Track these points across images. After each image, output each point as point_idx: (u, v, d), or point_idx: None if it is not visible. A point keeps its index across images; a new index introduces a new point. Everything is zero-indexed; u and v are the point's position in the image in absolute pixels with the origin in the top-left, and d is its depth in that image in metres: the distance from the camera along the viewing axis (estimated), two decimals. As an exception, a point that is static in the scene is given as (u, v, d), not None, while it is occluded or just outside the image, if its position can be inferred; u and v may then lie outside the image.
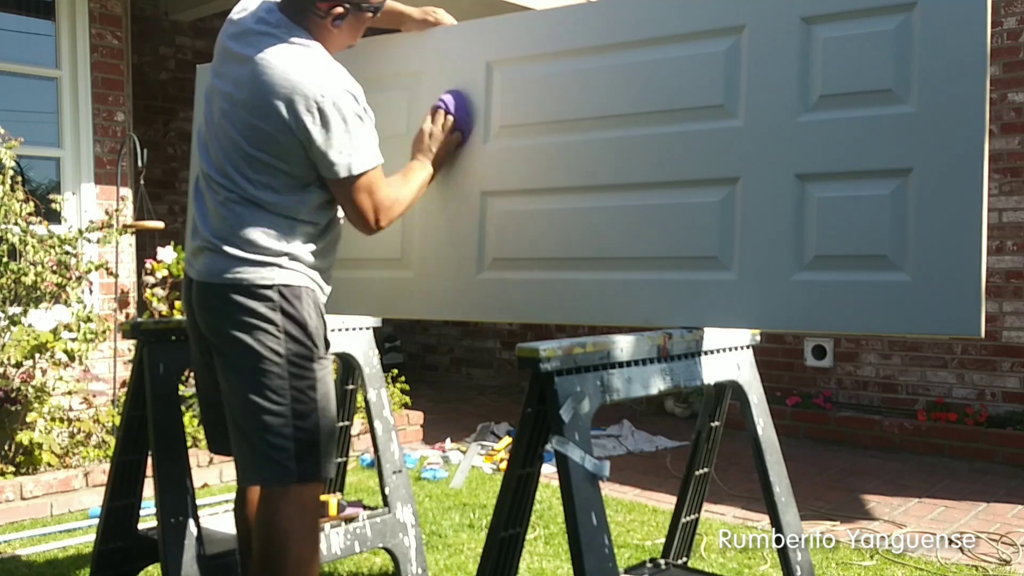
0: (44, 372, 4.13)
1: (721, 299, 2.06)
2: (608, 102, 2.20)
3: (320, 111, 2.00)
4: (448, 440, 5.29)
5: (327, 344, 2.17)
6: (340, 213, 2.24)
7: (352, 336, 3.00)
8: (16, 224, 4.06)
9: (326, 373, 2.14)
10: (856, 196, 1.91)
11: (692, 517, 2.59)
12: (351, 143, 2.05)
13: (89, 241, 4.34)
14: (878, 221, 1.89)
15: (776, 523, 2.31)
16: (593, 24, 2.22)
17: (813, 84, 1.95)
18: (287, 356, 2.05)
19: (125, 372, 4.44)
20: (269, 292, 2.05)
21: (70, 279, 4.18)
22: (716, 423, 2.52)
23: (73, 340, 4.10)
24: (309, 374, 2.08)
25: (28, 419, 4.00)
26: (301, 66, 2.03)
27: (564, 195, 2.28)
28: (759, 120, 2.00)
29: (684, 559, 2.61)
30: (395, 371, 5.40)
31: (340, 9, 2.11)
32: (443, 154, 2.36)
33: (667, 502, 3.96)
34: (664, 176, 2.13)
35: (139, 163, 4.73)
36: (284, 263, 2.08)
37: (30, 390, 4.05)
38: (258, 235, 2.06)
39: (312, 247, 2.14)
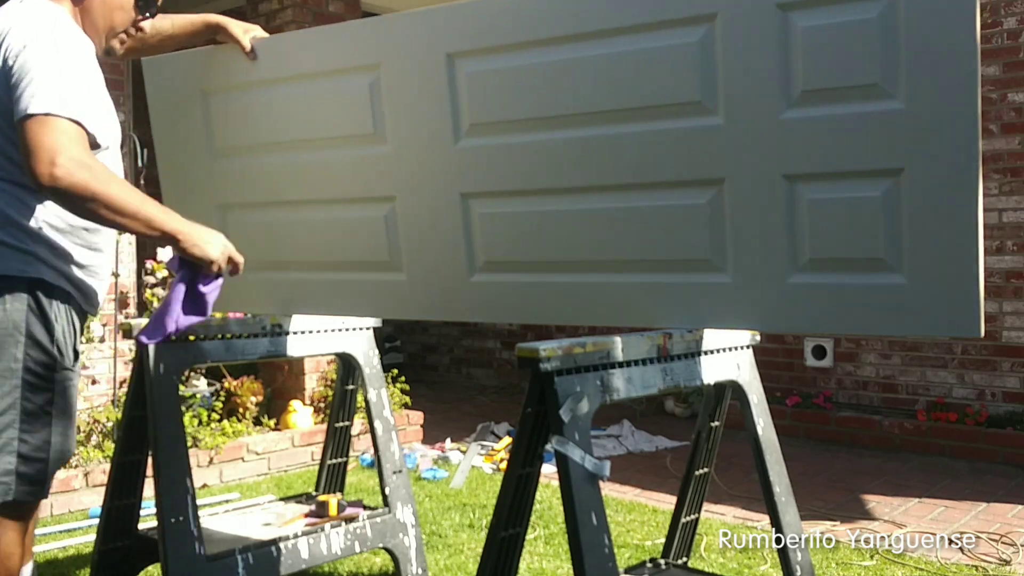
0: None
1: (717, 301, 2.06)
2: (580, 98, 2.09)
3: (24, 48, 1.80)
4: (448, 440, 5.29)
5: (76, 355, 1.95)
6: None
7: (352, 336, 3.00)
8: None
9: (70, 385, 1.93)
10: (847, 197, 1.86)
11: (692, 517, 2.59)
12: (51, 82, 1.78)
13: (89, 241, 4.34)
14: (872, 223, 1.85)
15: (776, 523, 2.31)
16: (557, 12, 2.07)
17: (795, 78, 1.85)
18: (24, 363, 1.84)
19: (125, 372, 4.44)
20: (21, 288, 1.84)
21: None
22: (716, 423, 2.52)
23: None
24: (47, 385, 1.87)
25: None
26: (27, 17, 1.87)
27: (546, 196, 2.21)
28: (740, 117, 1.92)
29: (684, 559, 2.61)
30: (395, 371, 5.40)
31: None
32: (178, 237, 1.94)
33: (667, 502, 3.96)
34: (647, 177, 2.06)
35: (139, 163, 4.73)
36: (41, 253, 1.87)
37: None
38: (13, 217, 1.85)
39: (70, 237, 1.92)
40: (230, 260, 2.06)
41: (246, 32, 2.49)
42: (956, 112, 1.72)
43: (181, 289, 2.04)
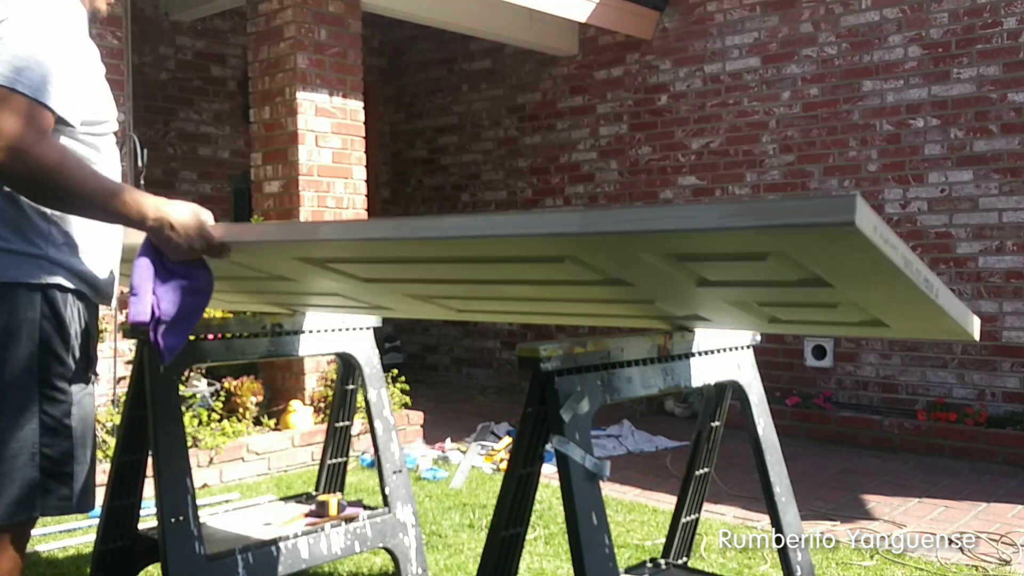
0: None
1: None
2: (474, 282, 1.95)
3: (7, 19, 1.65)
4: (448, 440, 5.29)
5: (91, 361, 1.84)
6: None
7: (352, 336, 3.00)
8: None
9: (86, 395, 1.82)
10: (796, 302, 1.76)
11: (692, 517, 2.59)
12: (21, 52, 1.63)
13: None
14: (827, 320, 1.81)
15: (776, 523, 2.31)
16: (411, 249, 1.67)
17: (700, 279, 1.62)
18: (41, 375, 1.74)
19: (125, 372, 4.44)
20: (34, 295, 1.73)
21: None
22: (716, 423, 2.52)
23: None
24: (64, 397, 1.77)
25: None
26: None
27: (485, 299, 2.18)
28: (650, 286, 1.72)
29: (684, 559, 2.61)
30: (395, 371, 5.40)
31: None
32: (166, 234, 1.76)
33: (667, 502, 3.96)
34: (574, 296, 1.97)
35: (139, 163, 4.73)
36: (54, 255, 1.75)
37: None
38: (24, 216, 1.73)
39: (83, 230, 1.80)
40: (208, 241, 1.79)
41: None
42: (893, 293, 1.49)
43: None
